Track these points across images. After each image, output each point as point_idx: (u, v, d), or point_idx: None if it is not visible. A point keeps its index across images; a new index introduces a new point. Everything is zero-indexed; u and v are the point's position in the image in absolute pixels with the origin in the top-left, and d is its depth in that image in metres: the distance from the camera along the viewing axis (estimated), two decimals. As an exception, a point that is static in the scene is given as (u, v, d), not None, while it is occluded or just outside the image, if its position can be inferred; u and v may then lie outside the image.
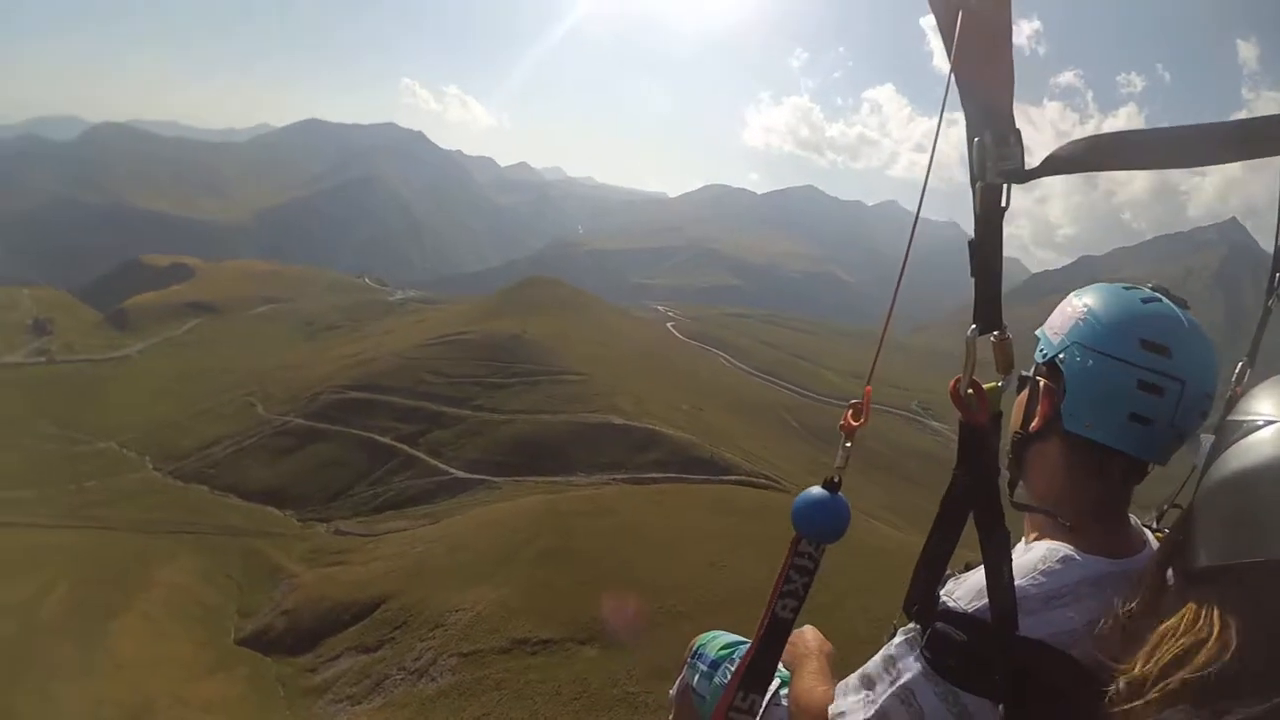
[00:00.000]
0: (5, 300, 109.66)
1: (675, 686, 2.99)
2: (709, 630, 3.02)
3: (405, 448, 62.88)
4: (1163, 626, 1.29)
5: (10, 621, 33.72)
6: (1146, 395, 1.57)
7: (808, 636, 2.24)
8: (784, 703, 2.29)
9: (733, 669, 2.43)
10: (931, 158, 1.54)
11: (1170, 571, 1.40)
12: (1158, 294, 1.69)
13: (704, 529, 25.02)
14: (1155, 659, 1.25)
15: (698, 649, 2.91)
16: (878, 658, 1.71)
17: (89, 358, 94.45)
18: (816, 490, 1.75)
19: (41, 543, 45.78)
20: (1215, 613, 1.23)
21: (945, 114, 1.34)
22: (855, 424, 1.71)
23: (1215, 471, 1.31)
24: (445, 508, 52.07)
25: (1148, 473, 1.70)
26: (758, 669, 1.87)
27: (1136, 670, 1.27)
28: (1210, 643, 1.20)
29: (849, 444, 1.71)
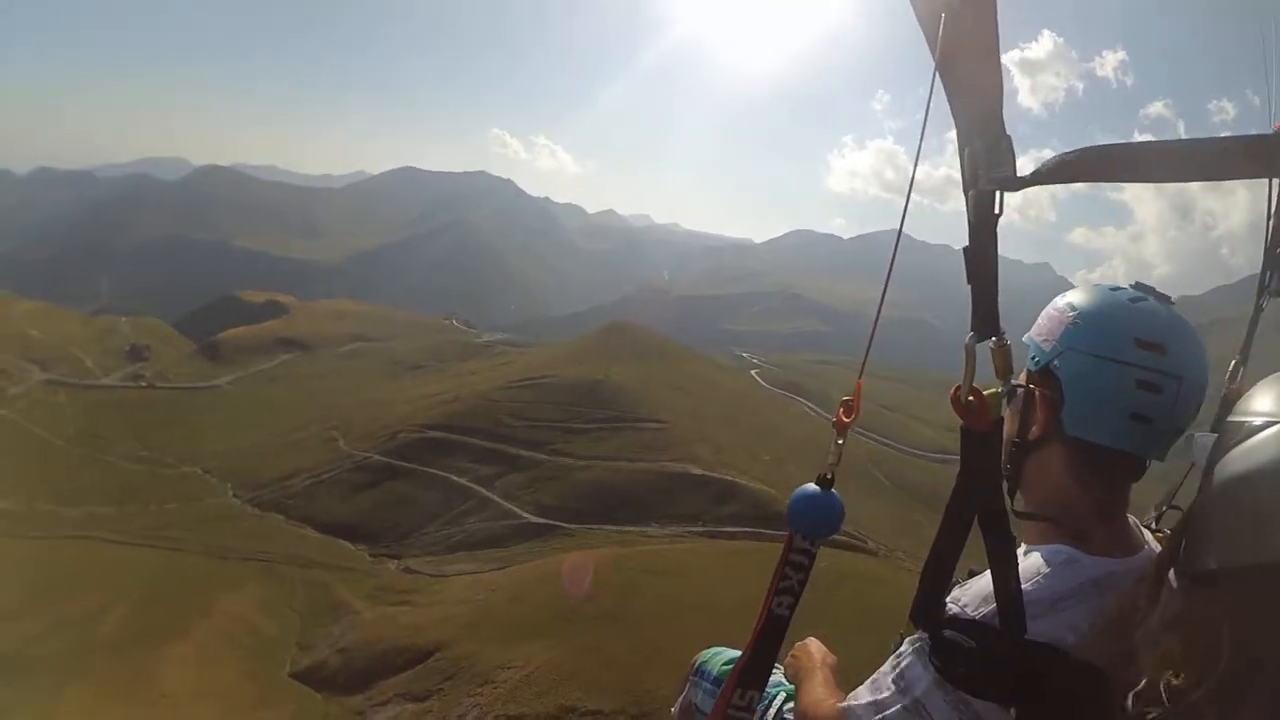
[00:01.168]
0: (106, 327, 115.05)
1: (677, 705, 2.92)
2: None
3: (480, 489, 62.44)
4: (1168, 627, 1.31)
5: (68, 635, 34.15)
6: (1146, 394, 1.59)
7: (811, 649, 2.26)
8: (789, 716, 2.26)
9: None
10: (915, 162, 1.56)
11: (1173, 573, 1.40)
12: (1143, 293, 1.70)
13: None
14: (1161, 659, 1.27)
15: (699, 666, 2.84)
16: (886, 667, 1.72)
17: (181, 385, 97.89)
18: (810, 487, 1.75)
19: (113, 559, 46.79)
20: (1220, 614, 1.23)
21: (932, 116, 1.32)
22: (847, 421, 1.72)
23: (1219, 473, 1.31)
24: (516, 552, 51.29)
25: (1146, 469, 1.71)
26: (755, 667, 1.86)
27: (1144, 671, 1.29)
28: (1215, 643, 1.21)
29: (841, 441, 1.72)
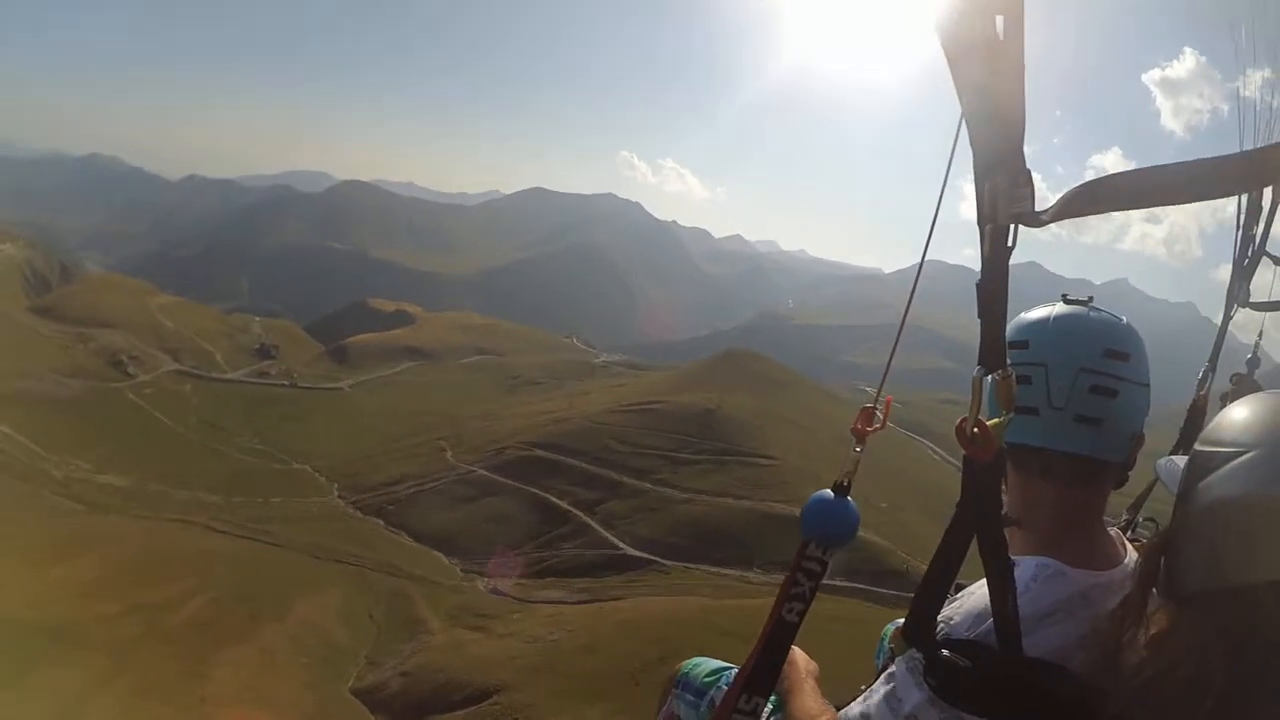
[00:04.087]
0: (239, 324, 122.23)
1: (659, 718, 2.88)
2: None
3: (580, 514, 61.45)
4: (1149, 642, 1.37)
5: (139, 619, 34.65)
6: (1019, 387, 1.58)
7: (796, 658, 2.20)
8: None
9: (718, 695, 2.51)
10: (941, 196, 1.56)
11: (1154, 591, 1.47)
12: (1052, 304, 1.89)
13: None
14: (1144, 673, 1.34)
15: (682, 678, 2.80)
16: (879, 687, 1.73)
17: (304, 385, 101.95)
18: (826, 494, 1.74)
19: (208, 547, 47.87)
20: (1199, 631, 1.31)
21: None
22: (867, 429, 1.74)
23: (1196, 499, 1.39)
24: (607, 584, 49.80)
25: (1093, 470, 1.77)
26: (763, 672, 1.81)
27: (1129, 684, 1.36)
28: (1197, 660, 1.28)
29: (859, 449, 1.73)
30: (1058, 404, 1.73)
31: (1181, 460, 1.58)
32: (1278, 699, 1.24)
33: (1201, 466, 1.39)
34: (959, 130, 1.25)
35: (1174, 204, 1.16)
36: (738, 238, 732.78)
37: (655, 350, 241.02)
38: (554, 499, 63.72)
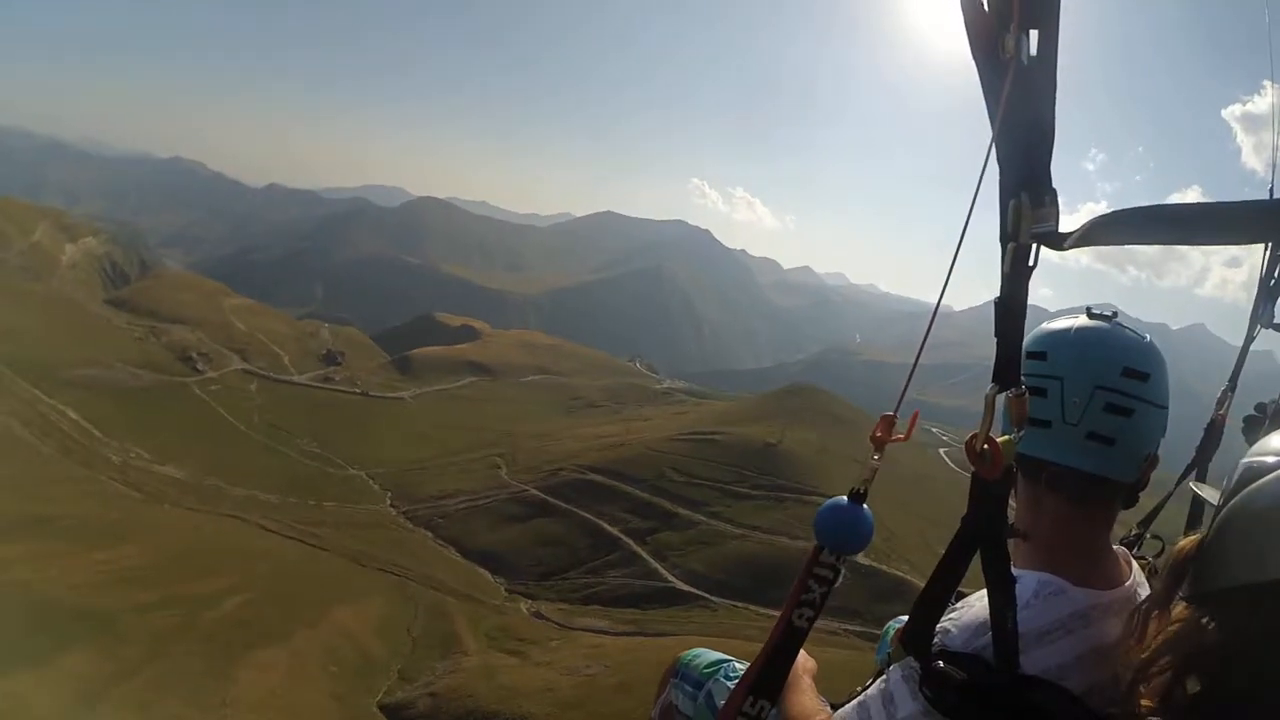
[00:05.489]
0: (309, 330, 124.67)
1: (656, 708, 2.88)
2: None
3: (630, 542, 60.09)
4: (1164, 650, 1.39)
5: (174, 613, 34.41)
6: (1032, 399, 1.63)
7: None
8: None
9: (715, 687, 2.55)
10: (966, 225, 1.47)
11: (1177, 594, 1.47)
12: (1076, 315, 1.85)
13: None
14: (1158, 681, 1.36)
15: (681, 668, 2.80)
16: (874, 693, 1.76)
17: (366, 392, 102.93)
18: (841, 500, 1.70)
19: (255, 546, 47.82)
20: (1224, 629, 1.33)
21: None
22: (888, 438, 1.67)
23: (1247, 503, 1.38)
24: (652, 617, 48.37)
25: (1102, 490, 1.76)
26: (770, 675, 1.77)
27: (1127, 703, 1.40)
28: (1219, 657, 1.30)
29: (878, 457, 1.67)
30: (1071, 420, 1.70)
31: (1208, 487, 1.66)
32: None
33: (1253, 474, 1.39)
34: (990, 150, 1.23)
35: (1196, 244, 1.15)
36: (807, 269, 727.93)
37: (718, 379, 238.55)
38: (605, 525, 62.47)
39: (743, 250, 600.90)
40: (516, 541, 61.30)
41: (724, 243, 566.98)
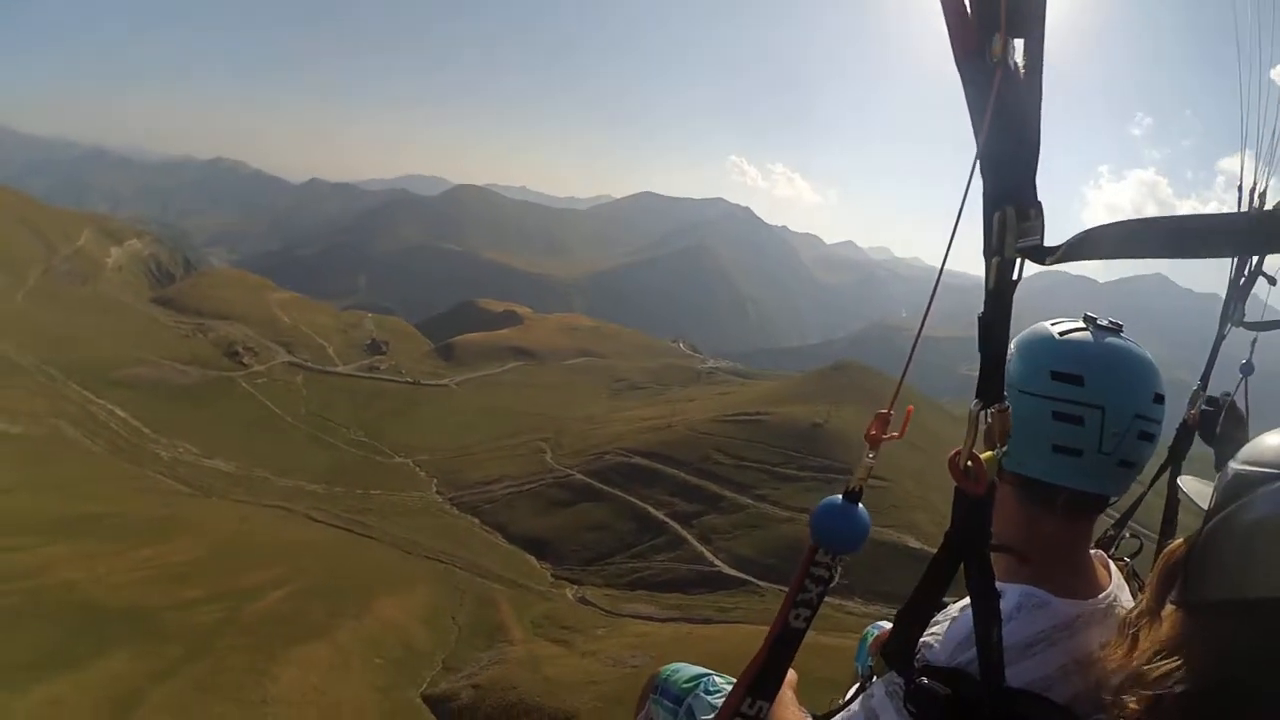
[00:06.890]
0: (352, 321, 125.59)
1: None
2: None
3: (676, 526, 59.28)
4: (1154, 653, 1.40)
5: (219, 608, 34.36)
6: (1065, 425, 1.66)
7: None
8: None
9: (696, 702, 2.59)
10: (955, 228, 1.45)
11: (1167, 601, 1.49)
12: (1083, 324, 1.78)
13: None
14: (1148, 690, 1.36)
15: (660, 683, 2.82)
16: (857, 709, 1.79)
17: (411, 380, 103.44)
18: (837, 499, 1.66)
19: (302, 537, 48.01)
20: (1215, 641, 1.35)
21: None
22: (881, 436, 1.63)
23: (1239, 514, 1.38)
24: (698, 602, 47.68)
25: (1103, 505, 1.77)
26: (767, 676, 1.74)
27: (1111, 712, 1.41)
28: (1209, 667, 1.32)
29: (872, 455, 1.63)
30: (1107, 449, 1.66)
31: (1190, 479, 1.70)
32: None
33: (1245, 484, 1.39)
34: (976, 160, 1.21)
35: (1183, 257, 1.14)
36: (850, 244, 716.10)
37: (762, 358, 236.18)
38: (651, 509, 61.79)
39: (784, 226, 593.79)
40: (562, 526, 61.01)
41: (764, 219, 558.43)
